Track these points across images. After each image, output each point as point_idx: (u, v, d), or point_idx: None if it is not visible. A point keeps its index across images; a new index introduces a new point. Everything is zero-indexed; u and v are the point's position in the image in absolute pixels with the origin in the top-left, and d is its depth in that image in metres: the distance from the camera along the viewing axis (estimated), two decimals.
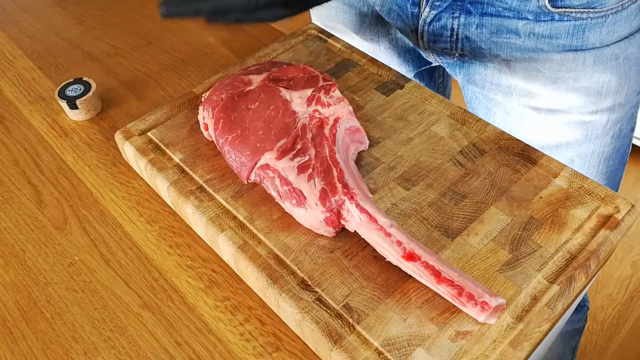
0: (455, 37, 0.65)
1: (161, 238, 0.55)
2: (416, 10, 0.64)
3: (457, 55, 0.68)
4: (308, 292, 0.45)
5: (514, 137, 0.55)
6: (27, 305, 0.51)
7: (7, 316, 0.51)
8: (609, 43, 0.60)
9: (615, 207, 0.49)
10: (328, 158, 0.50)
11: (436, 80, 0.89)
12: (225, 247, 0.50)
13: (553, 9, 0.57)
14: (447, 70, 0.74)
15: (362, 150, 0.56)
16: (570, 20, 0.58)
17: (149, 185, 0.59)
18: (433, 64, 0.77)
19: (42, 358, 0.48)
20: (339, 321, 0.43)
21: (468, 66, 0.69)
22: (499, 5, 0.59)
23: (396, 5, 0.66)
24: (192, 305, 0.50)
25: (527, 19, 0.59)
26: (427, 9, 0.63)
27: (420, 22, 0.65)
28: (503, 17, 0.60)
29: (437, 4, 0.62)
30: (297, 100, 0.54)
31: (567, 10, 0.57)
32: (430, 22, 0.64)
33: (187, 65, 0.75)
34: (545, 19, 0.59)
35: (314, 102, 0.54)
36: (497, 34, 0.62)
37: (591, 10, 0.57)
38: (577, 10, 0.57)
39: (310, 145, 0.51)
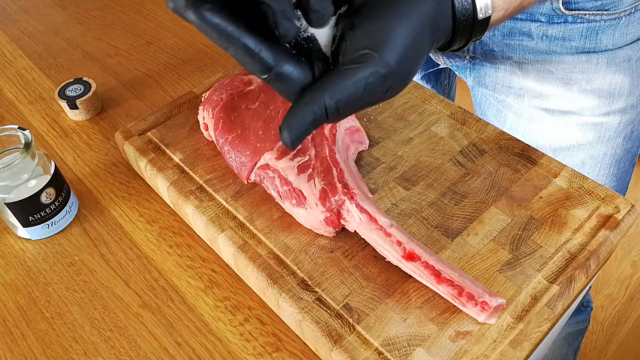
0: None
1: (161, 238, 0.55)
2: None
3: (467, 57, 0.68)
4: (308, 292, 0.45)
5: (514, 137, 0.55)
6: (27, 305, 0.51)
7: (7, 316, 0.51)
8: (622, 45, 0.60)
9: (615, 207, 0.49)
10: (328, 158, 0.50)
11: (442, 82, 0.89)
12: (225, 247, 0.50)
13: (566, 12, 0.57)
14: (456, 72, 0.74)
15: (362, 150, 0.56)
16: (583, 23, 0.58)
17: (149, 185, 0.59)
18: (440, 66, 0.77)
19: (42, 358, 0.48)
20: (339, 321, 0.43)
21: (479, 68, 0.69)
22: None
23: None
24: (192, 305, 0.50)
25: (540, 21, 0.59)
26: None
27: None
28: (516, 20, 0.60)
29: None
30: None
31: (580, 12, 0.57)
32: None
33: (187, 65, 0.75)
34: (559, 21, 0.59)
35: None
36: (509, 36, 0.62)
37: (604, 12, 0.57)
38: (590, 12, 0.57)
39: (310, 145, 0.51)
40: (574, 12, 0.57)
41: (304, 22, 0.35)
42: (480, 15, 0.36)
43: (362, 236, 0.47)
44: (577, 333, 1.03)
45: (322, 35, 0.36)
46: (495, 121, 0.72)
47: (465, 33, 0.37)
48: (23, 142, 0.52)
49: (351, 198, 0.47)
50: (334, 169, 0.49)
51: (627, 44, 0.60)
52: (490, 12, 0.36)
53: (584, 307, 1.01)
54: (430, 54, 0.71)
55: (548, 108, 0.66)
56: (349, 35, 0.34)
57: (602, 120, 0.65)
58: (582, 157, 0.68)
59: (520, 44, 0.62)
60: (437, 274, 0.43)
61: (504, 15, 0.38)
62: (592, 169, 0.69)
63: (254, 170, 0.52)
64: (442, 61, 0.72)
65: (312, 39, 0.36)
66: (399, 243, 0.44)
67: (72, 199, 0.57)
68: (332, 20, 0.36)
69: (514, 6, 0.38)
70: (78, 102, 0.66)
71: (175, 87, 0.72)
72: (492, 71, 0.68)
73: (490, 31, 0.62)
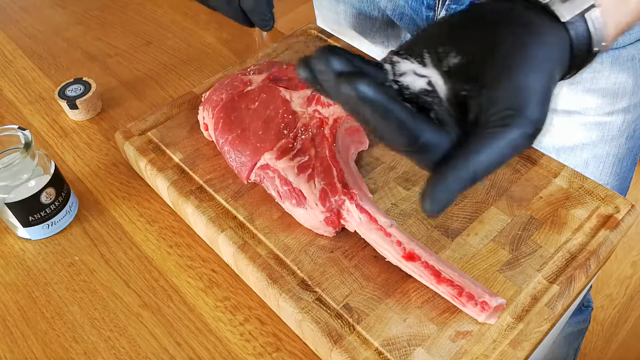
0: None
1: (161, 238, 0.55)
2: (431, 14, 0.64)
3: None
4: (308, 292, 0.45)
5: None
6: (27, 305, 0.51)
7: (7, 316, 0.51)
8: (626, 44, 0.60)
9: (615, 207, 0.49)
10: (328, 158, 0.50)
11: None
12: (225, 247, 0.50)
13: None
14: None
15: (362, 150, 0.56)
16: None
17: (149, 185, 0.59)
18: None
19: (42, 358, 0.48)
20: (339, 321, 0.43)
21: None
22: None
23: (410, 9, 0.66)
24: (192, 305, 0.50)
25: None
26: (443, 12, 0.63)
27: None
28: None
29: (453, 7, 0.61)
30: (297, 100, 0.54)
31: None
32: None
33: (187, 65, 0.75)
34: None
35: (314, 102, 0.54)
36: None
37: None
38: None
39: (310, 145, 0.51)
40: None
41: (422, 75, 0.34)
42: (596, 49, 0.35)
43: (362, 236, 0.47)
44: (577, 333, 1.03)
45: (441, 88, 0.34)
46: None
47: (578, 67, 0.36)
48: (23, 142, 0.52)
49: (351, 198, 0.47)
50: (334, 169, 0.49)
51: (631, 43, 0.60)
52: (603, 43, 0.35)
53: (585, 307, 1.01)
54: None
55: (552, 108, 0.66)
56: (480, 93, 0.32)
57: (605, 119, 0.65)
58: (586, 157, 0.68)
59: None
60: (437, 274, 0.43)
61: (613, 42, 0.38)
62: (595, 168, 0.69)
63: (254, 170, 0.52)
64: None
65: (432, 92, 0.34)
66: (399, 243, 0.44)
67: (72, 199, 0.57)
68: (436, 72, 0.34)
69: (622, 31, 0.37)
70: (78, 102, 0.66)
71: (175, 87, 0.72)
72: None
73: None
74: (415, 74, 0.34)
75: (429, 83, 0.34)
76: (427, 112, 0.34)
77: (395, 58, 0.35)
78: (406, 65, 0.35)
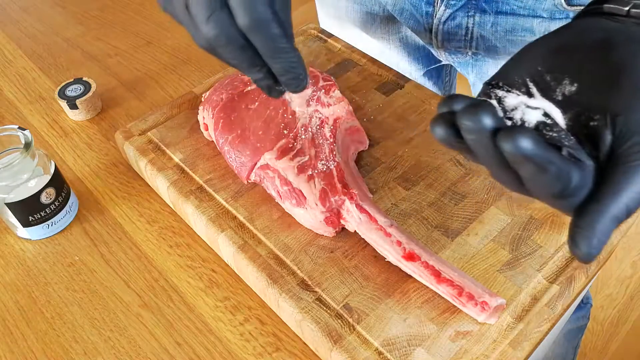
0: (470, 35, 0.65)
1: (161, 238, 0.55)
2: (431, 9, 0.65)
3: (470, 53, 0.68)
4: (308, 292, 0.45)
5: None
6: (27, 305, 0.51)
7: (7, 316, 0.51)
8: None
9: None
10: (328, 158, 0.50)
11: (443, 78, 0.89)
12: (225, 247, 0.50)
13: (568, 7, 0.57)
14: (458, 68, 0.74)
15: (362, 150, 0.56)
16: None
17: (149, 185, 0.59)
18: (442, 62, 0.77)
19: (42, 358, 0.48)
20: (339, 321, 0.43)
21: (481, 64, 0.69)
22: (514, 3, 0.60)
23: (410, 5, 0.66)
24: (192, 305, 0.50)
25: (542, 17, 0.59)
26: (442, 7, 0.63)
27: (434, 21, 0.65)
28: (518, 16, 0.60)
29: (453, 2, 0.62)
30: (297, 100, 0.54)
31: (582, 7, 0.58)
32: (445, 21, 0.64)
33: (187, 65, 0.75)
34: (560, 17, 0.59)
35: (314, 102, 0.54)
36: (512, 33, 0.62)
37: None
38: None
39: (310, 145, 0.51)
40: (575, 7, 0.57)
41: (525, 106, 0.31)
42: None
43: (362, 236, 0.47)
44: (577, 330, 1.03)
45: (559, 120, 0.31)
46: None
47: None
48: (23, 142, 0.52)
49: (351, 198, 0.47)
50: (334, 169, 0.49)
51: None
52: None
53: (584, 304, 1.01)
54: (433, 50, 0.72)
55: None
56: (614, 122, 0.30)
57: None
58: None
59: (522, 40, 0.62)
60: (437, 274, 0.43)
61: None
62: None
63: (254, 170, 0.52)
64: (444, 57, 0.72)
65: (554, 126, 0.30)
66: (399, 243, 0.44)
67: (72, 199, 0.57)
68: (549, 103, 0.31)
69: None
70: (78, 102, 0.66)
71: (175, 87, 0.72)
72: (494, 67, 0.68)
73: (492, 27, 0.62)
74: (528, 107, 0.31)
75: (545, 114, 0.31)
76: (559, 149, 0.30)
77: (500, 92, 0.32)
78: (514, 99, 0.31)
